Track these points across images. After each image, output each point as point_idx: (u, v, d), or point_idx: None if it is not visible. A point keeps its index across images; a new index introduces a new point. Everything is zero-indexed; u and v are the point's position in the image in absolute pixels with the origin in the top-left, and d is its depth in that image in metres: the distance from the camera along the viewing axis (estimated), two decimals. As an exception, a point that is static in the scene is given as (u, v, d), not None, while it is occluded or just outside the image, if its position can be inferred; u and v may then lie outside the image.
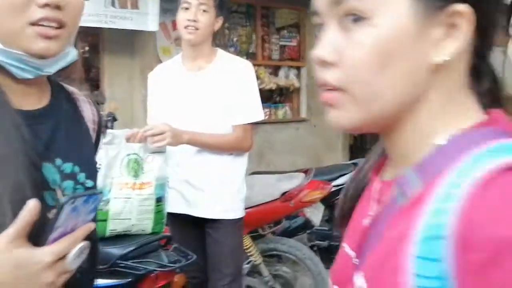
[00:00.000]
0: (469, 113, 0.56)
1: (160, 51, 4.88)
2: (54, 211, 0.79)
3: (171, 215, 2.13)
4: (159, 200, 1.98)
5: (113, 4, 4.04)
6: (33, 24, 0.80)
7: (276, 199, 2.87)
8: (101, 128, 1.09)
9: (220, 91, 2.19)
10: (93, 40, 4.27)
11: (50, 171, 0.88)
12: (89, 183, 0.96)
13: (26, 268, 0.75)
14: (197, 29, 2.14)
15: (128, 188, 1.89)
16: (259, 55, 5.68)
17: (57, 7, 0.81)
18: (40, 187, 0.83)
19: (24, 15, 0.79)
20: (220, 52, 2.29)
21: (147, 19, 4.16)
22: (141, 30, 4.35)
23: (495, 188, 0.45)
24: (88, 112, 1.03)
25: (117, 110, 3.19)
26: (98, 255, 1.01)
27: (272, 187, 2.92)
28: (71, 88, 1.03)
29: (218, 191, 2.20)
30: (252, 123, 2.24)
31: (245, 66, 2.25)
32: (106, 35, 4.42)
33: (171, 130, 2.03)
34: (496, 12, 0.56)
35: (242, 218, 2.26)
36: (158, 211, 1.99)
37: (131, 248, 1.87)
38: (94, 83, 4.41)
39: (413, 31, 0.52)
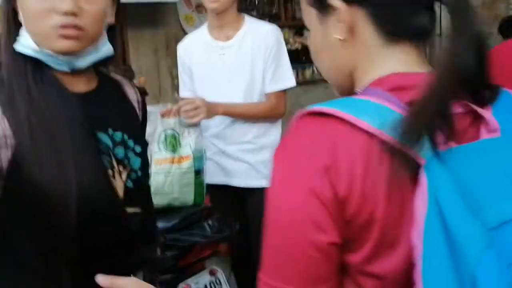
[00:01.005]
0: (378, 70, 0.68)
1: (182, 20, 4.84)
2: None
3: (210, 186, 2.16)
4: (198, 173, 2.01)
5: (133, -22, 4.00)
6: (56, 28, 0.95)
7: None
8: (145, 106, 1.24)
9: (250, 59, 2.16)
10: (116, 16, 4.25)
11: (104, 138, 1.04)
12: (137, 148, 1.11)
13: None
14: None
15: (168, 162, 1.92)
16: (282, 16, 5.56)
17: (73, 14, 0.95)
18: (94, 153, 0.99)
19: (48, 20, 0.95)
20: (247, 18, 2.25)
21: (168, -11, 4.10)
22: (162, 1, 4.30)
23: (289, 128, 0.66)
24: (132, 94, 1.20)
25: (145, 83, 3.21)
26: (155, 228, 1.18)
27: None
28: (116, 76, 1.19)
29: (255, 160, 2.21)
30: (284, 89, 2.22)
31: (273, 32, 2.21)
32: (128, 10, 4.40)
33: (205, 104, 2.03)
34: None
35: (280, 184, 2.26)
36: (198, 183, 2.02)
37: (176, 221, 1.91)
38: (120, 58, 4.43)
39: (320, 27, 0.72)
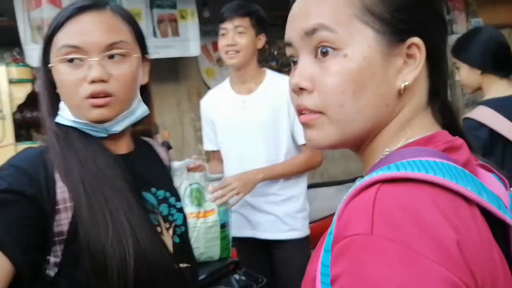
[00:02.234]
0: (420, 130, 0.64)
1: (204, 74, 4.96)
2: None
3: (237, 239, 2.14)
4: (224, 226, 2.00)
5: (154, 35, 4.13)
6: (87, 97, 0.98)
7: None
8: (171, 165, 1.29)
9: (273, 111, 2.18)
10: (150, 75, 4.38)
11: (149, 197, 1.08)
12: (178, 204, 1.15)
13: None
14: (237, 51, 2.14)
15: (193, 217, 1.92)
16: (301, 66, 5.66)
17: (102, 81, 0.97)
18: (142, 211, 1.00)
19: (80, 91, 0.98)
20: (268, 72, 2.29)
21: (189, 44, 4.23)
22: (184, 56, 4.42)
23: (358, 197, 0.54)
24: (163, 154, 1.26)
25: (169, 137, 3.26)
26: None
27: (332, 200, 2.88)
28: (147, 139, 1.25)
29: (282, 212, 2.19)
30: None
31: None
32: (151, 66, 4.51)
33: (239, 179, 2.03)
34: (442, 42, 0.66)
35: (308, 236, 2.23)
36: (224, 236, 2.00)
37: (203, 276, 1.88)
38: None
39: (379, 61, 0.61)
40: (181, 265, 1.07)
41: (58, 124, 1.03)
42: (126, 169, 1.03)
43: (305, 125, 0.66)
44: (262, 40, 2.24)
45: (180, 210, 1.15)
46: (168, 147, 3.07)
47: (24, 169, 0.93)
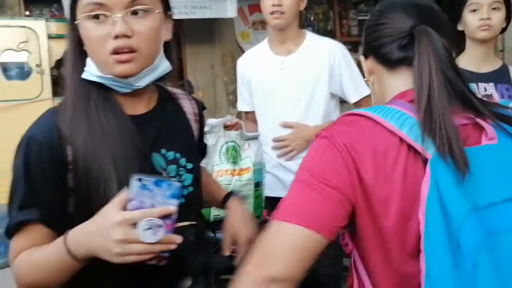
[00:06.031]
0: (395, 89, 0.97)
1: (239, 36, 4.93)
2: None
3: (269, 199, 2.16)
4: (257, 185, 2.02)
5: (192, -5, 4.12)
6: (111, 53, 1.01)
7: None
8: (202, 116, 1.29)
9: (313, 73, 2.17)
10: (175, 32, 4.38)
11: (157, 159, 1.11)
12: (189, 165, 1.16)
13: (101, 218, 0.92)
14: (282, 13, 2.11)
15: (228, 174, 1.94)
16: (337, 32, 5.57)
17: (126, 36, 1.00)
18: (149, 173, 1.01)
19: (105, 47, 1.01)
20: (309, 34, 2.26)
21: (226, 6, 4.20)
22: (220, 18, 4.40)
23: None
24: (188, 107, 1.25)
25: (203, 98, 3.27)
26: (207, 238, 1.23)
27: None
28: (173, 90, 1.26)
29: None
30: (369, 94, 2.21)
31: (339, 47, 2.22)
32: (186, 26, 4.52)
33: (297, 138, 2.08)
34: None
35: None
36: (257, 195, 2.03)
37: (235, 233, 1.91)
38: (178, 73, 4.55)
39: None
40: (181, 223, 1.07)
41: (82, 81, 1.06)
42: (137, 131, 1.06)
43: None
44: (304, 2, 2.21)
45: (191, 170, 1.16)
46: (203, 107, 3.08)
47: (39, 139, 1.01)
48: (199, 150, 1.29)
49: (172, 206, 0.92)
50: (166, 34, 1.12)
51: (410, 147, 0.84)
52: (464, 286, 0.74)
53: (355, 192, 0.85)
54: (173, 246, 0.93)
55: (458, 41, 2.03)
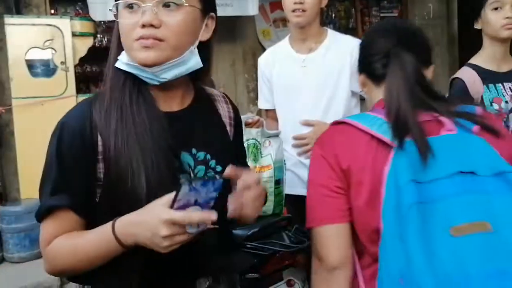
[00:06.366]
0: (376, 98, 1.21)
1: (260, 34, 4.93)
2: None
3: (289, 197, 2.16)
4: (278, 183, 2.03)
5: (214, -8, 4.13)
6: (136, 39, 1.03)
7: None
8: (238, 120, 1.29)
9: (335, 71, 2.16)
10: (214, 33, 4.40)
11: (186, 158, 1.11)
12: (218, 168, 1.15)
13: (149, 215, 0.94)
14: (304, 10, 2.11)
15: (249, 172, 1.95)
16: (359, 30, 5.53)
17: (152, 26, 1.02)
18: (176, 170, 1.06)
19: (133, 34, 1.04)
20: (330, 31, 2.25)
21: (247, 3, 4.21)
22: (241, 15, 4.40)
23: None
24: (224, 110, 1.25)
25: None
26: (231, 238, 1.23)
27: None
28: (210, 90, 1.26)
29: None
30: None
31: (359, 43, 2.19)
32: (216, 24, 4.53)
33: (315, 137, 2.06)
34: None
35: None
36: (278, 193, 2.03)
37: (255, 230, 1.92)
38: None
39: None
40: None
41: (119, 72, 1.08)
42: (169, 129, 1.06)
43: None
44: (325, 0, 2.20)
45: (220, 173, 1.14)
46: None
47: (72, 126, 1.04)
48: (234, 155, 1.24)
49: (213, 215, 0.94)
50: (204, 33, 1.11)
51: (380, 141, 1.05)
52: (400, 234, 0.94)
53: (342, 182, 1.09)
54: (210, 221, 0.94)
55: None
